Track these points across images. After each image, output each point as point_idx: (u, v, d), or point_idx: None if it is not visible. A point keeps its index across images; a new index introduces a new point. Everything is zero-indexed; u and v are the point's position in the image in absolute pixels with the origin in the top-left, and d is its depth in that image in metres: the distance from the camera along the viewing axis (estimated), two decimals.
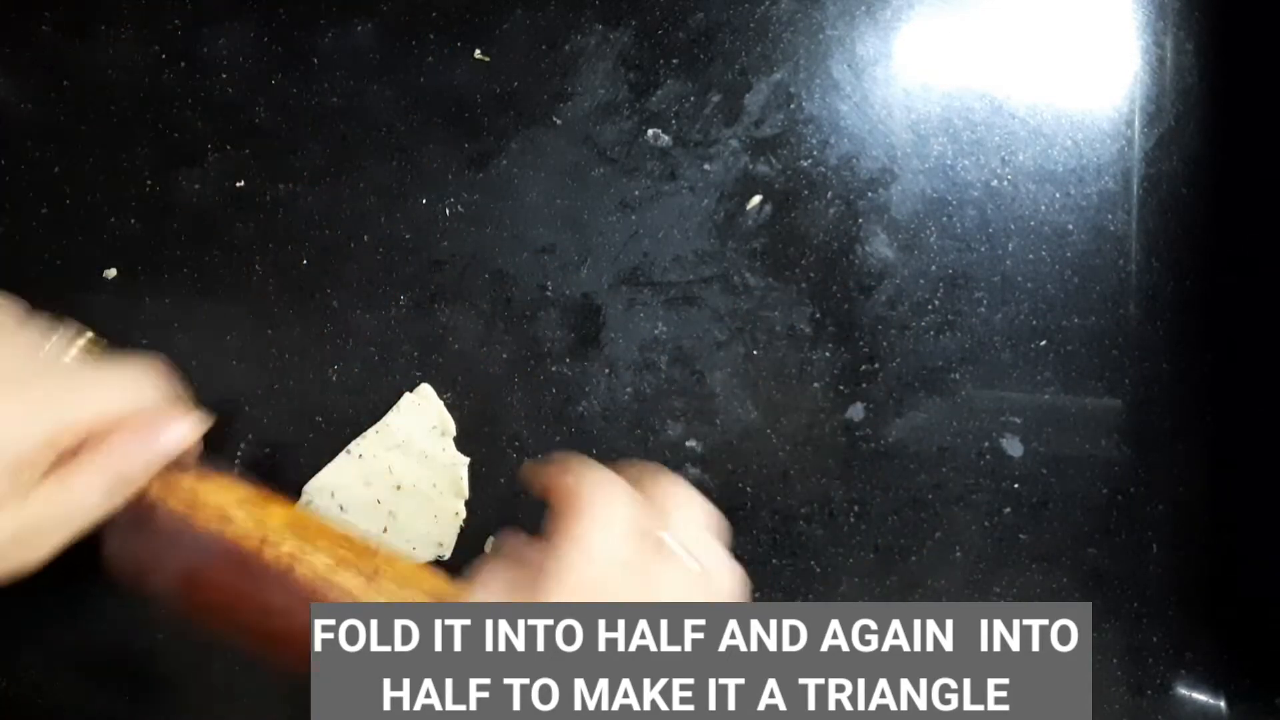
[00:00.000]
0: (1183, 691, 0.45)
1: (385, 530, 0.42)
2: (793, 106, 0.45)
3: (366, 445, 0.43)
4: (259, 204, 0.44)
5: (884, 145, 0.45)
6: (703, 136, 0.45)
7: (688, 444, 0.44)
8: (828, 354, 0.44)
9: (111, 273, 0.44)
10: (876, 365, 0.44)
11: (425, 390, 0.43)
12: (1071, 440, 0.44)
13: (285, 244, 0.44)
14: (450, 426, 0.43)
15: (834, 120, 0.45)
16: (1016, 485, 0.44)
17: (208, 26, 0.45)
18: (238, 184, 0.44)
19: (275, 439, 0.43)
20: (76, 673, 0.44)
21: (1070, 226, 0.45)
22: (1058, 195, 0.45)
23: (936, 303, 0.45)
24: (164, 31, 0.45)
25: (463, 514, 0.43)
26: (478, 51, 0.45)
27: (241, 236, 0.44)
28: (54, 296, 0.44)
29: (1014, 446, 0.44)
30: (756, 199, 0.45)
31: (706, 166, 0.45)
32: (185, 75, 0.44)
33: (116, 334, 0.44)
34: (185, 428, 0.33)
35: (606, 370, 0.44)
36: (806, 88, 0.45)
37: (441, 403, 0.43)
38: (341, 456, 0.43)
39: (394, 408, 0.43)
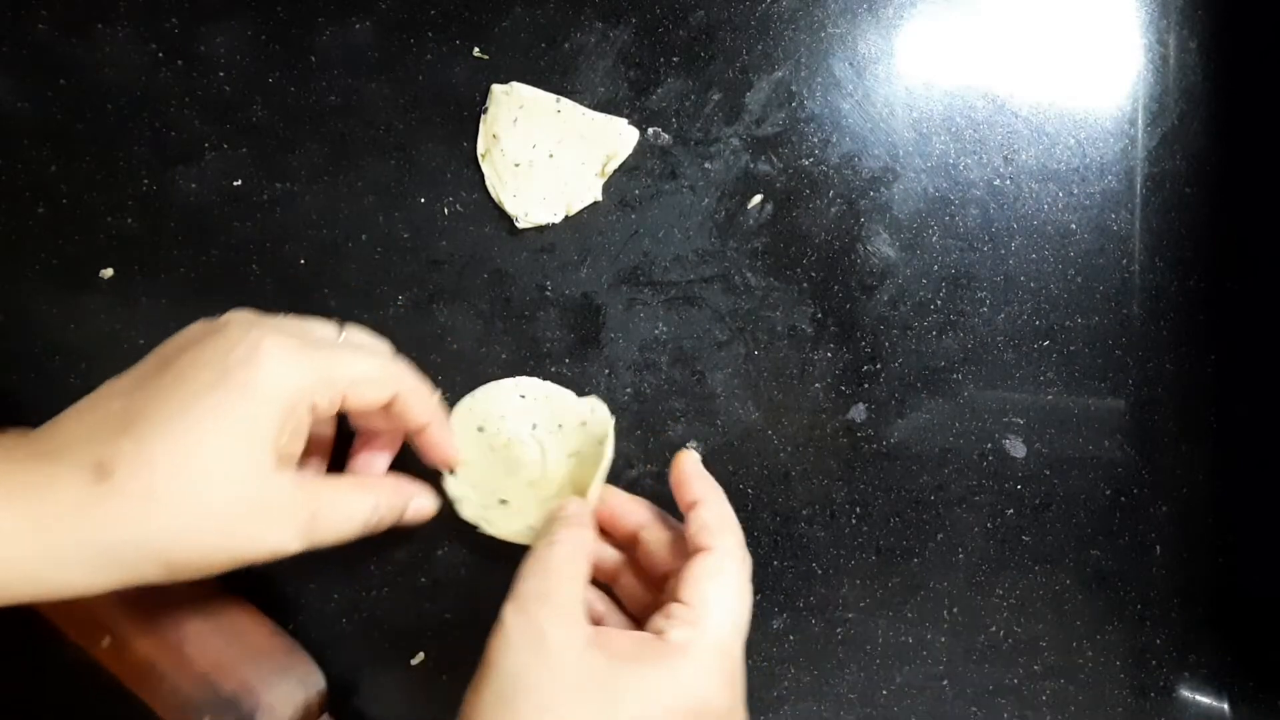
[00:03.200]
0: (1186, 694, 0.45)
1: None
2: (794, 105, 0.45)
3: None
4: (257, 203, 0.44)
5: (886, 144, 0.44)
6: (703, 135, 0.44)
7: (688, 444, 0.44)
8: (829, 354, 0.44)
9: (108, 272, 0.44)
10: (878, 365, 0.44)
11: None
12: (1074, 441, 0.44)
13: (283, 243, 0.44)
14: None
15: (835, 119, 0.45)
16: (1019, 486, 0.44)
17: (205, 25, 0.44)
18: (235, 183, 0.44)
19: None
20: (65, 678, 0.43)
21: (1073, 226, 0.45)
22: (1061, 194, 0.45)
23: (939, 302, 0.44)
24: (161, 30, 0.44)
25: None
26: (477, 50, 0.44)
27: (239, 236, 0.44)
28: (51, 296, 0.44)
29: (1016, 447, 0.44)
30: (757, 198, 0.44)
31: (707, 165, 0.44)
32: (182, 74, 0.44)
33: (114, 334, 0.44)
34: (432, 504, 0.40)
35: (606, 370, 0.44)
36: (808, 86, 0.45)
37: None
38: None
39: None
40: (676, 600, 0.34)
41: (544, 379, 0.44)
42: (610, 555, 0.40)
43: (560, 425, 0.42)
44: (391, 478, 0.39)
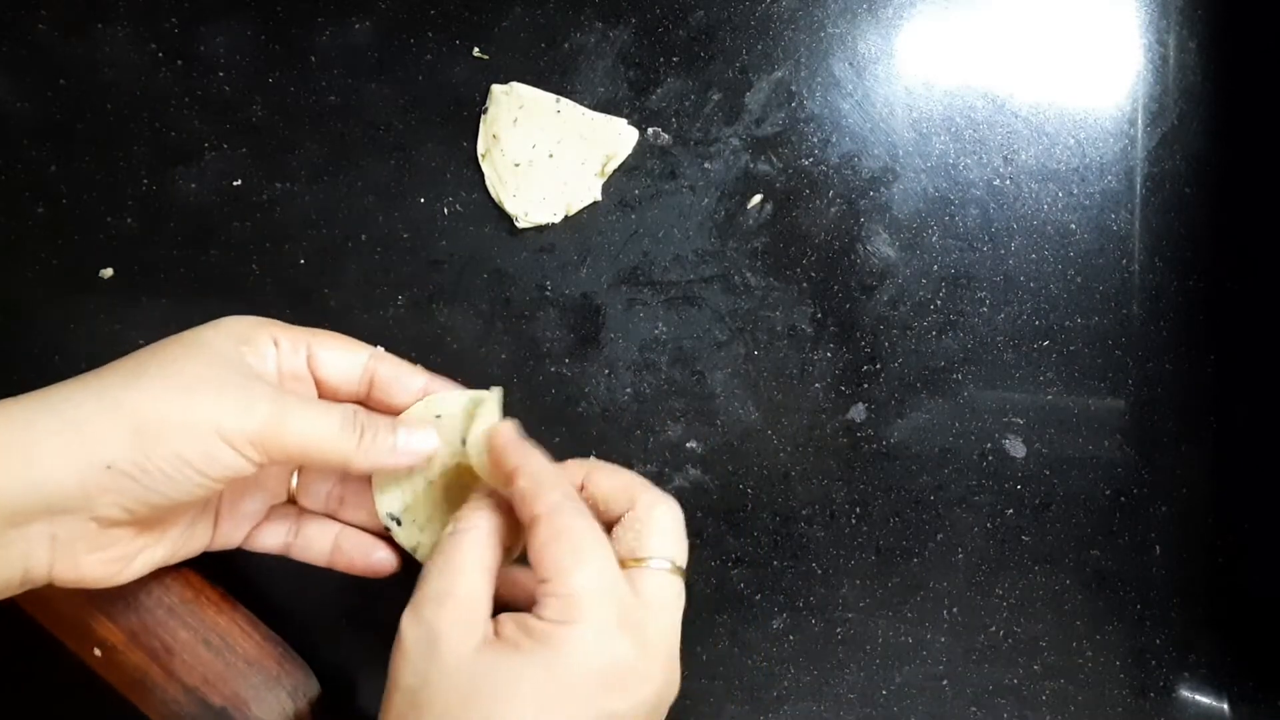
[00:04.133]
0: (1186, 693, 0.45)
1: None
2: (794, 105, 0.45)
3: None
4: (256, 203, 0.44)
5: (886, 144, 0.44)
6: (703, 135, 0.44)
7: (688, 445, 0.44)
8: (829, 354, 0.44)
9: (108, 272, 0.44)
10: (878, 365, 0.44)
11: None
12: (1074, 441, 0.44)
13: (283, 243, 0.44)
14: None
15: (835, 119, 0.44)
16: (1019, 486, 0.44)
17: (205, 25, 0.44)
18: (235, 183, 0.44)
19: None
20: (62, 683, 0.43)
21: (1073, 226, 0.45)
22: (1060, 194, 0.45)
23: (938, 302, 0.44)
24: (161, 30, 0.44)
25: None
26: (477, 50, 0.44)
27: (239, 236, 0.44)
28: (50, 296, 0.44)
29: (1016, 447, 0.44)
30: (757, 198, 0.44)
31: (707, 165, 0.44)
32: (182, 74, 0.44)
33: (113, 334, 0.44)
34: (429, 446, 0.37)
35: (606, 370, 0.44)
36: (808, 86, 0.45)
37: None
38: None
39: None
40: (539, 580, 0.33)
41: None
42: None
43: (438, 415, 0.38)
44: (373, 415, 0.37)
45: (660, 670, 0.33)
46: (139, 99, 0.44)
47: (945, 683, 0.44)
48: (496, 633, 0.32)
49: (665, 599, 0.34)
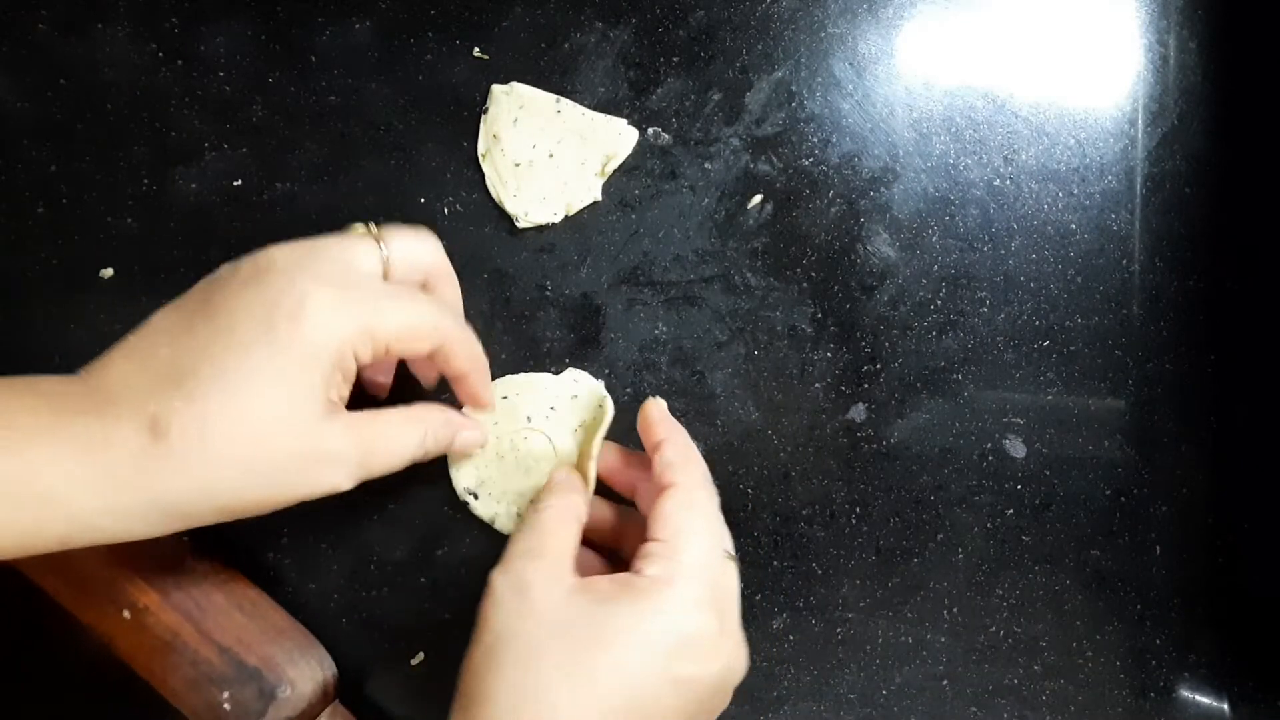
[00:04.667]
0: (1186, 694, 0.45)
1: None
2: (794, 105, 0.45)
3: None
4: (256, 203, 0.44)
5: (886, 144, 0.44)
6: (703, 135, 0.44)
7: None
8: (829, 354, 0.44)
9: (108, 272, 0.44)
10: (878, 365, 0.44)
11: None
12: (1074, 441, 0.44)
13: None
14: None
15: (835, 119, 0.44)
16: (1019, 486, 0.44)
17: (205, 25, 0.44)
18: (235, 183, 0.44)
19: None
20: (60, 685, 0.43)
21: (1073, 226, 0.45)
22: (1061, 194, 0.45)
23: (938, 303, 0.44)
24: (161, 30, 0.44)
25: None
26: (477, 49, 0.44)
27: (239, 236, 0.44)
28: (51, 296, 0.44)
29: (1016, 447, 0.44)
30: (757, 198, 0.44)
31: (707, 165, 0.44)
32: (182, 74, 0.44)
33: (113, 334, 0.43)
34: (480, 437, 0.40)
35: (606, 370, 0.44)
36: (808, 86, 0.45)
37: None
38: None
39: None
40: (652, 539, 0.35)
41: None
42: (608, 516, 0.41)
43: (552, 408, 0.43)
44: (439, 408, 0.39)
45: (732, 650, 0.35)
46: (139, 99, 0.44)
47: (945, 683, 0.44)
48: (587, 588, 0.34)
49: (735, 587, 0.36)
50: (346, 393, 0.35)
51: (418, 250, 0.38)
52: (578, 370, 0.43)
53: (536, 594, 0.33)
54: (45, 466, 0.30)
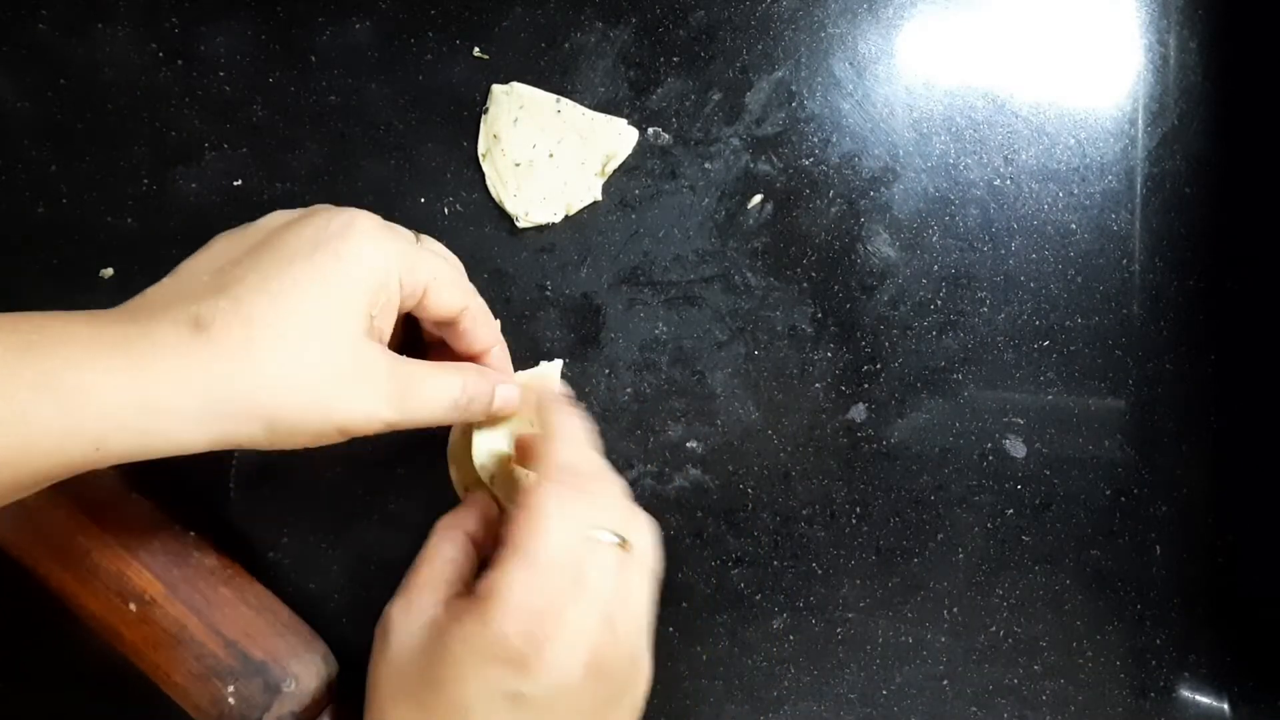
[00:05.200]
0: (1186, 694, 0.45)
1: None
2: (794, 105, 0.45)
3: None
4: (257, 203, 0.44)
5: (886, 144, 0.44)
6: (703, 135, 0.44)
7: (688, 444, 0.44)
8: (829, 354, 0.44)
9: (108, 272, 0.44)
10: (878, 365, 0.44)
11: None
12: (1074, 441, 0.44)
13: None
14: None
15: (835, 119, 0.44)
16: (1019, 486, 0.44)
17: (205, 25, 0.44)
18: (235, 183, 0.44)
19: None
20: (59, 685, 0.43)
21: (1073, 225, 0.45)
22: (1061, 194, 0.45)
23: (939, 302, 0.44)
24: (161, 30, 0.44)
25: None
26: (477, 49, 0.44)
27: None
28: (51, 296, 0.44)
29: (1016, 447, 0.44)
30: (757, 198, 0.44)
31: (707, 165, 0.44)
32: (182, 73, 0.44)
33: None
34: (515, 395, 0.39)
35: (606, 370, 0.44)
36: (808, 86, 0.45)
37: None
38: None
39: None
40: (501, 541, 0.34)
41: None
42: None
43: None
44: (475, 365, 0.38)
45: (575, 665, 0.32)
46: (139, 99, 0.44)
47: (945, 683, 0.44)
48: (437, 618, 0.34)
49: (612, 582, 0.33)
50: (388, 326, 0.35)
51: (451, 256, 0.39)
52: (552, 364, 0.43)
53: (393, 637, 0.34)
54: (81, 361, 0.29)
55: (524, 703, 0.31)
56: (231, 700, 0.38)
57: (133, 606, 0.38)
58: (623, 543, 0.34)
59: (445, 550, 0.36)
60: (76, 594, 0.39)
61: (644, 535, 0.35)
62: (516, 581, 0.32)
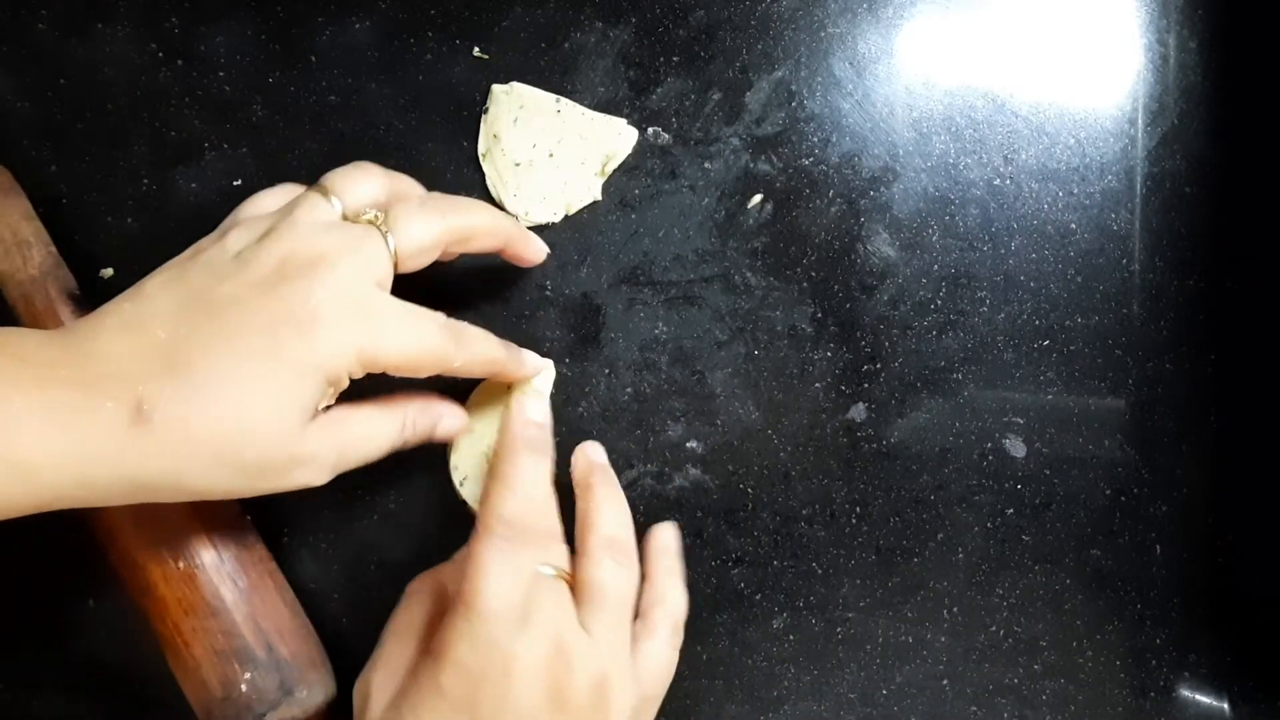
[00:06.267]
0: (1186, 693, 0.45)
1: None
2: (794, 104, 0.45)
3: None
4: None
5: (886, 143, 0.44)
6: (703, 135, 0.44)
7: (688, 444, 0.44)
8: (829, 354, 0.44)
9: (108, 272, 0.44)
10: (878, 365, 0.44)
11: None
12: (1074, 441, 0.44)
13: None
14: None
15: (835, 118, 0.44)
16: (1019, 486, 0.44)
17: (205, 24, 0.44)
18: (235, 183, 0.44)
19: None
20: (60, 686, 0.43)
21: (1073, 225, 0.45)
22: (1060, 194, 0.45)
23: (939, 302, 0.44)
24: (161, 29, 0.44)
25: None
26: (477, 49, 0.44)
27: None
28: None
29: (1016, 447, 0.44)
30: (757, 198, 0.44)
31: (707, 165, 0.44)
32: (182, 73, 0.44)
33: None
34: (460, 421, 0.40)
35: (606, 370, 0.44)
36: (808, 85, 0.45)
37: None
38: None
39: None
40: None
41: None
42: None
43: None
44: (419, 398, 0.39)
45: (533, 702, 0.33)
46: (139, 99, 0.44)
47: (945, 683, 0.44)
48: (408, 676, 0.35)
49: (556, 620, 0.35)
50: (332, 403, 0.35)
51: (423, 237, 0.37)
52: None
53: (368, 709, 0.35)
54: (23, 436, 0.30)
55: None
56: (244, 687, 0.37)
57: (181, 565, 0.38)
58: (566, 574, 0.36)
59: (413, 611, 0.37)
60: (125, 536, 0.38)
61: (603, 570, 0.37)
62: (461, 636, 0.33)
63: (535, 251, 0.42)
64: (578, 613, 0.35)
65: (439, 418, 0.39)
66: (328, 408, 0.34)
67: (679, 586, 0.40)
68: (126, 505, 0.35)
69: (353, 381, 0.35)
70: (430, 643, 0.34)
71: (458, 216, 0.38)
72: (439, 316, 0.37)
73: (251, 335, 0.32)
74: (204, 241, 0.36)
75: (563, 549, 0.37)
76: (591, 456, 0.42)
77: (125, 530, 0.38)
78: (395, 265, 0.36)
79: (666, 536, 0.41)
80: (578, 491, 0.40)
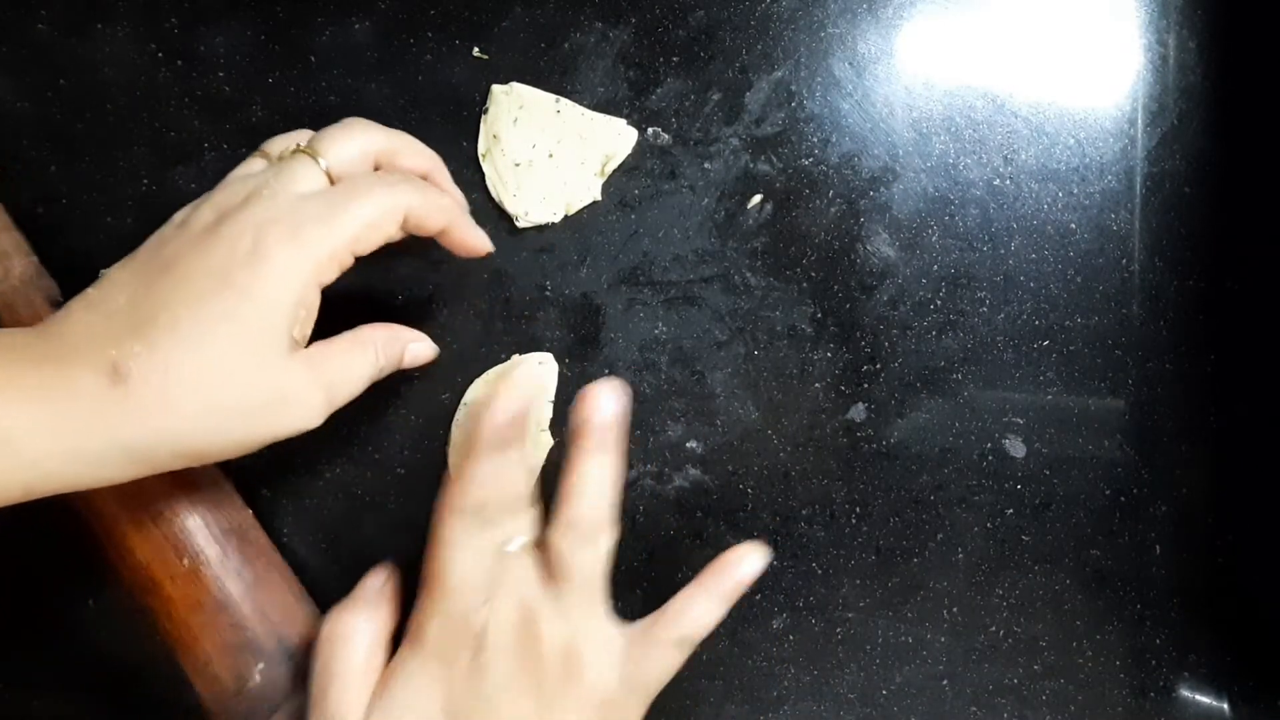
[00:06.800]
0: (1186, 694, 0.45)
1: None
2: (793, 105, 0.45)
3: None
4: None
5: (885, 144, 0.44)
6: (703, 135, 0.44)
7: (688, 445, 0.44)
8: (829, 354, 0.44)
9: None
10: (878, 365, 0.44)
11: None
12: (1074, 441, 0.44)
13: None
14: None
15: (835, 118, 0.44)
16: (1019, 486, 0.44)
17: (205, 25, 0.44)
18: None
19: None
20: (60, 686, 0.43)
21: (1073, 225, 0.45)
22: (1060, 194, 0.45)
23: (938, 302, 0.44)
24: (161, 29, 0.44)
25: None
26: (476, 49, 0.44)
27: None
28: None
29: (1016, 447, 0.44)
30: (757, 198, 0.44)
31: (707, 165, 0.44)
32: (182, 73, 0.44)
33: None
34: (429, 351, 0.41)
35: (606, 370, 0.44)
36: (807, 86, 0.45)
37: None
38: None
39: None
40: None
41: None
42: None
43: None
44: (384, 327, 0.39)
45: (504, 668, 0.34)
46: (139, 99, 0.44)
47: (945, 683, 0.44)
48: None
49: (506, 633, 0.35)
50: (310, 327, 0.35)
51: (353, 149, 0.37)
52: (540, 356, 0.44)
53: None
54: (4, 414, 0.30)
55: (470, 715, 0.33)
56: (258, 678, 0.37)
57: (185, 562, 0.38)
58: (537, 543, 0.36)
59: (362, 662, 0.36)
60: (128, 537, 0.38)
61: (568, 544, 0.36)
62: (431, 616, 0.34)
63: (477, 241, 0.40)
64: (547, 584, 0.35)
65: (406, 343, 0.39)
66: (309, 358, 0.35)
67: (712, 606, 0.38)
68: (125, 502, 0.35)
69: (322, 325, 0.35)
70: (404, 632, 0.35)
71: (388, 139, 0.38)
72: (379, 173, 0.37)
73: (201, 279, 0.32)
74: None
75: (530, 517, 0.36)
76: (591, 412, 0.37)
77: (125, 528, 0.38)
78: (330, 181, 0.36)
79: (744, 565, 0.39)
80: (569, 442, 0.37)
